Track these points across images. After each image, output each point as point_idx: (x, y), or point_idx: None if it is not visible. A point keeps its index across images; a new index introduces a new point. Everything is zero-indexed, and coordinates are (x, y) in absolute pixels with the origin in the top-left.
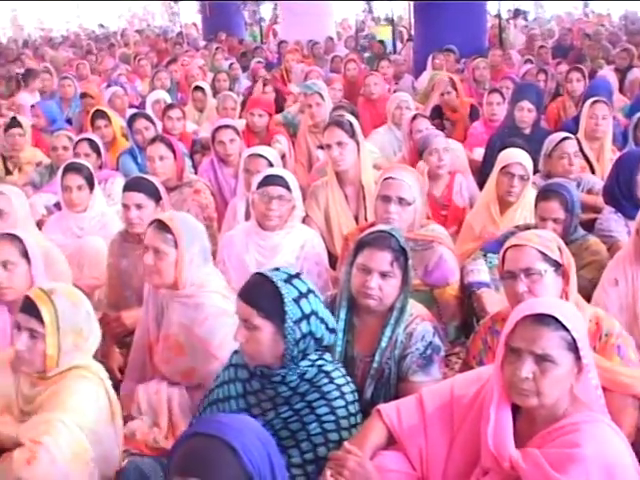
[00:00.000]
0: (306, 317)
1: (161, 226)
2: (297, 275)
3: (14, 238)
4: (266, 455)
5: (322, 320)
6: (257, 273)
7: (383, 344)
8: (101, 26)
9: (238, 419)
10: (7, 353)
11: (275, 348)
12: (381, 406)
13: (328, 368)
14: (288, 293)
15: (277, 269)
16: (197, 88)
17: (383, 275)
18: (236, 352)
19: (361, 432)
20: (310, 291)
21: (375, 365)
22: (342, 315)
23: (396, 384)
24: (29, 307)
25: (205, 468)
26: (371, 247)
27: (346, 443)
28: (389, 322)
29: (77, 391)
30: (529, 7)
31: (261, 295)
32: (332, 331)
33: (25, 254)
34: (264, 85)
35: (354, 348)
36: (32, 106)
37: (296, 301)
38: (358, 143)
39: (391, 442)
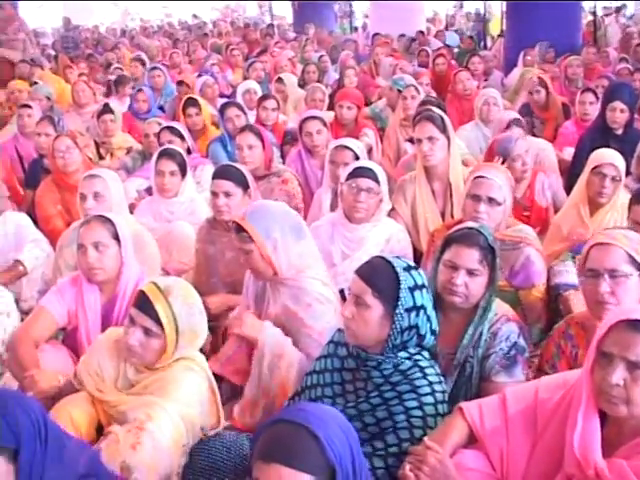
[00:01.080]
0: (417, 309)
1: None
2: (416, 267)
3: (106, 220)
4: (348, 446)
5: (429, 318)
6: (378, 256)
7: (465, 342)
8: (194, 17)
9: (322, 409)
10: (111, 334)
11: (379, 331)
12: (463, 404)
13: (423, 364)
14: (405, 280)
15: (397, 257)
16: (278, 79)
17: (470, 273)
18: (339, 330)
19: (442, 429)
20: (425, 286)
21: (456, 362)
22: None
23: (478, 383)
24: (144, 305)
25: (288, 455)
26: (459, 244)
27: (427, 439)
28: (473, 320)
29: (182, 382)
30: (630, 5)
31: (379, 276)
32: (433, 333)
33: (116, 236)
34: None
35: (437, 344)
36: (139, 90)
37: (411, 290)
38: (449, 139)
39: (472, 441)
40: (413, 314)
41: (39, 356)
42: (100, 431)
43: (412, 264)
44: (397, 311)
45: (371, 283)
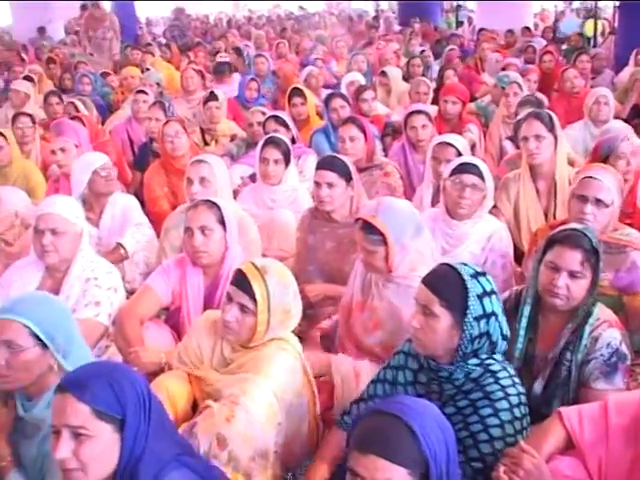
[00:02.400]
0: (487, 316)
1: (366, 226)
2: (484, 273)
3: (213, 205)
4: (443, 441)
5: (500, 324)
6: (444, 263)
7: (562, 345)
8: (301, 8)
9: (420, 403)
10: (209, 315)
11: (449, 341)
12: (563, 409)
13: (495, 367)
14: (473, 288)
15: (464, 264)
16: (382, 73)
17: (572, 275)
18: (409, 341)
19: (539, 433)
20: (494, 292)
21: (551, 364)
22: (526, 312)
23: (576, 388)
24: (242, 282)
25: (384, 446)
26: (562, 245)
27: (523, 442)
28: (573, 323)
29: (276, 361)
30: None
31: (446, 285)
32: (505, 338)
33: (222, 221)
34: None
35: (536, 346)
36: (252, 79)
37: (480, 298)
38: (556, 137)
39: (569, 447)
40: (483, 322)
41: (143, 333)
42: (195, 409)
43: (480, 270)
44: (466, 320)
45: (438, 292)
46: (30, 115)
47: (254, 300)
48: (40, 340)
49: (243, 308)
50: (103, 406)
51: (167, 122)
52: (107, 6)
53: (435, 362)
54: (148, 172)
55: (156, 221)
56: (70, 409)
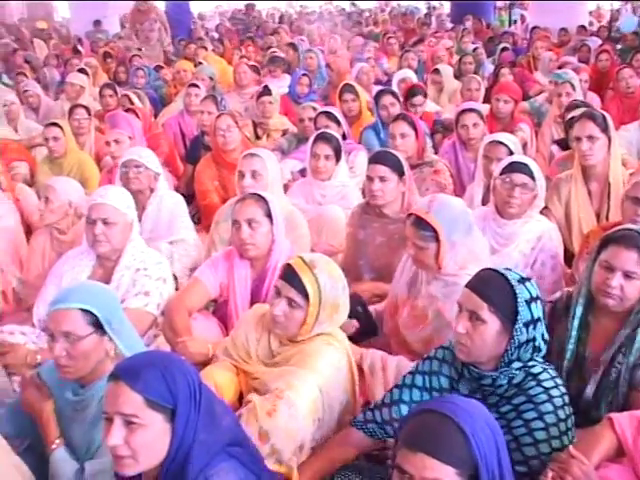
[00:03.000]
0: (534, 322)
1: (418, 221)
2: (529, 279)
3: (260, 199)
4: (494, 445)
5: (542, 328)
6: (489, 269)
7: (616, 347)
8: (352, 4)
9: (471, 404)
10: (258, 309)
11: (495, 347)
12: (614, 415)
13: (537, 370)
14: (521, 294)
15: (508, 269)
16: (434, 70)
17: (627, 275)
18: (443, 347)
19: (589, 438)
20: (538, 297)
21: (603, 367)
22: (578, 313)
23: (626, 392)
24: (291, 277)
25: (434, 446)
26: (617, 245)
27: (572, 448)
28: (626, 325)
29: (323, 356)
30: None
31: (495, 290)
32: (546, 342)
33: (269, 214)
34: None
35: (586, 347)
36: (304, 74)
37: (528, 303)
38: (610, 138)
39: (619, 454)
40: (531, 327)
41: (191, 324)
42: (242, 401)
43: (525, 276)
44: (516, 326)
45: (487, 298)
46: (86, 107)
47: (303, 294)
48: (96, 327)
49: (291, 303)
50: (155, 396)
51: (219, 116)
52: (161, 3)
53: (477, 369)
54: (199, 165)
55: (206, 214)
56: (123, 397)
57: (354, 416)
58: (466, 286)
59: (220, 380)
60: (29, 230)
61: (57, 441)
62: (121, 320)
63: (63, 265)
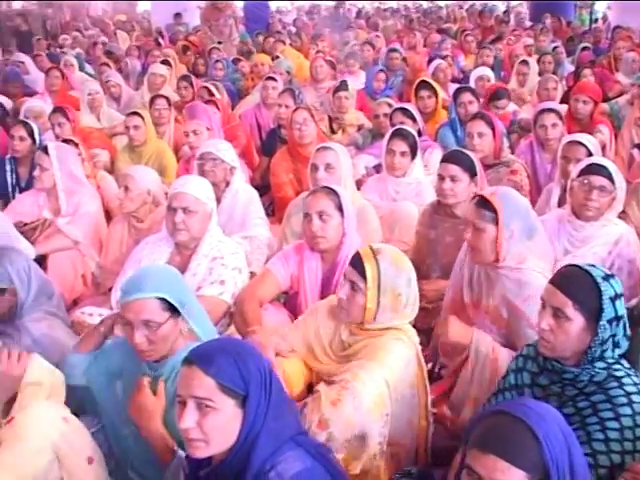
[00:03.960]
0: (617, 319)
1: (482, 203)
2: (612, 275)
3: (331, 192)
4: (566, 448)
5: (624, 326)
6: (572, 265)
7: None
8: (430, 0)
9: (544, 407)
10: (331, 300)
11: (579, 343)
12: None
13: (620, 373)
14: (606, 290)
15: (592, 265)
16: (523, 62)
17: None
18: (527, 345)
19: None
20: (622, 294)
21: None
22: None
23: None
24: (356, 262)
25: (505, 448)
26: None
27: None
28: None
29: (391, 350)
30: None
31: (579, 287)
32: (628, 339)
33: (340, 208)
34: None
35: None
36: (380, 70)
37: (612, 300)
38: None
39: None
40: (614, 324)
41: (262, 315)
42: (310, 391)
43: (609, 272)
44: (600, 323)
45: (571, 295)
46: (166, 98)
47: (364, 278)
48: (171, 311)
49: (354, 286)
50: (228, 381)
51: (296, 109)
52: None
53: (560, 364)
54: (275, 158)
55: (280, 206)
56: (196, 381)
57: (426, 414)
58: (550, 282)
59: (290, 370)
60: (109, 216)
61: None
62: (190, 300)
63: (142, 251)
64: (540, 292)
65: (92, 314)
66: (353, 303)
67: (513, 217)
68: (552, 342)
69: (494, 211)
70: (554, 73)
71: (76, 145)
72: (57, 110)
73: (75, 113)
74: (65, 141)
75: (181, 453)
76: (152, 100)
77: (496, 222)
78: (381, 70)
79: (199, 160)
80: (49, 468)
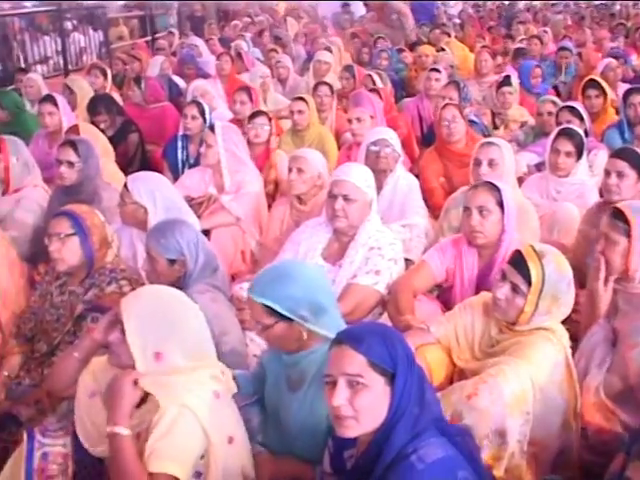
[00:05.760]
0: None
1: (616, 214)
2: None
3: (493, 187)
4: None
5: None
6: None
7: None
8: None
9: None
10: (484, 296)
11: None
12: None
13: None
14: None
15: None
16: None
17: None
18: None
19: None
20: None
21: None
22: None
23: None
24: (518, 262)
25: None
26: None
27: None
28: None
29: (540, 349)
30: None
31: None
32: None
33: (501, 204)
34: None
35: None
36: (537, 66)
37: None
38: None
39: None
40: None
41: (415, 305)
42: (451, 383)
43: None
44: None
45: None
46: (329, 85)
47: (527, 281)
48: (281, 317)
49: (515, 288)
50: (377, 358)
51: (445, 106)
52: None
53: None
54: (423, 161)
55: (432, 209)
56: (347, 359)
57: (575, 419)
58: None
59: (432, 359)
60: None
61: None
62: (314, 304)
63: (301, 234)
64: None
65: None
66: (512, 304)
67: None
68: None
69: (628, 223)
70: None
71: (269, 120)
72: (241, 89)
73: (257, 93)
74: (257, 114)
75: None
76: (315, 86)
77: (629, 235)
78: (537, 66)
79: (373, 147)
80: (201, 444)
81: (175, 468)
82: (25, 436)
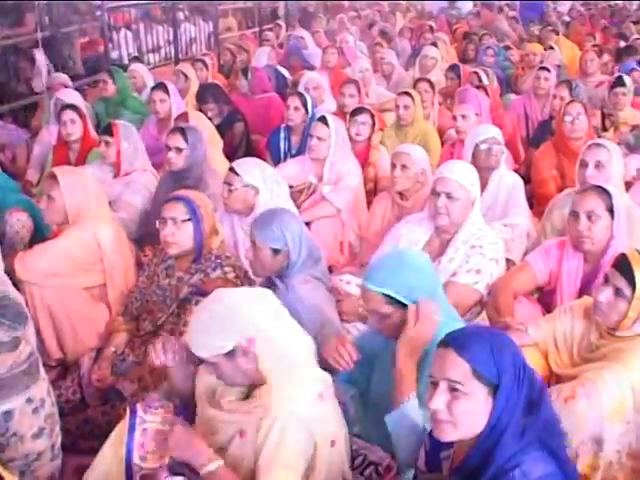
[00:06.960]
0: None
1: None
2: None
3: (603, 192)
4: None
5: None
6: None
7: None
8: None
9: None
10: (587, 301)
11: None
12: None
13: None
14: None
15: None
16: None
17: None
18: None
19: None
20: None
21: None
22: None
23: None
24: (623, 266)
25: None
26: None
27: None
28: None
29: None
30: None
31: None
32: None
33: (611, 209)
34: None
35: None
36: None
37: None
38: None
39: None
40: None
41: (515, 307)
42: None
43: None
44: None
45: None
46: (429, 81)
47: (631, 286)
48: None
49: (618, 292)
50: (481, 367)
51: (570, 102)
52: None
53: None
54: (539, 152)
55: (540, 201)
56: (450, 364)
57: None
58: None
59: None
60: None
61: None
62: (430, 291)
63: (402, 228)
64: None
65: (349, 282)
66: (614, 309)
67: None
68: None
69: None
70: None
71: (372, 116)
72: (350, 82)
73: (362, 87)
74: (360, 111)
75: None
76: (415, 83)
77: None
78: (634, 69)
79: (483, 145)
80: (310, 450)
81: (288, 476)
82: (128, 411)
